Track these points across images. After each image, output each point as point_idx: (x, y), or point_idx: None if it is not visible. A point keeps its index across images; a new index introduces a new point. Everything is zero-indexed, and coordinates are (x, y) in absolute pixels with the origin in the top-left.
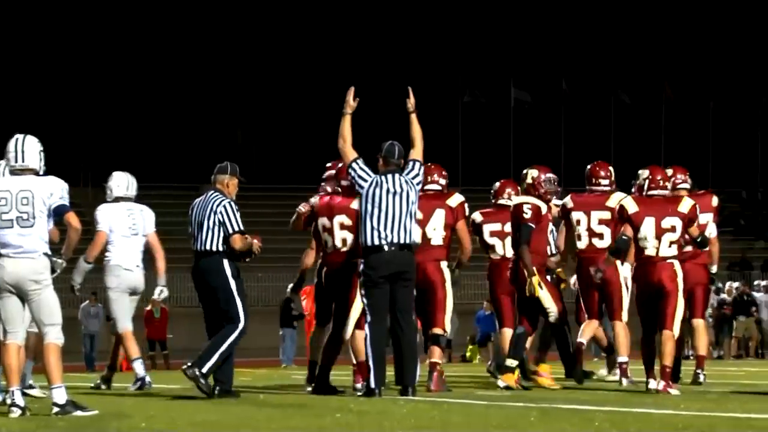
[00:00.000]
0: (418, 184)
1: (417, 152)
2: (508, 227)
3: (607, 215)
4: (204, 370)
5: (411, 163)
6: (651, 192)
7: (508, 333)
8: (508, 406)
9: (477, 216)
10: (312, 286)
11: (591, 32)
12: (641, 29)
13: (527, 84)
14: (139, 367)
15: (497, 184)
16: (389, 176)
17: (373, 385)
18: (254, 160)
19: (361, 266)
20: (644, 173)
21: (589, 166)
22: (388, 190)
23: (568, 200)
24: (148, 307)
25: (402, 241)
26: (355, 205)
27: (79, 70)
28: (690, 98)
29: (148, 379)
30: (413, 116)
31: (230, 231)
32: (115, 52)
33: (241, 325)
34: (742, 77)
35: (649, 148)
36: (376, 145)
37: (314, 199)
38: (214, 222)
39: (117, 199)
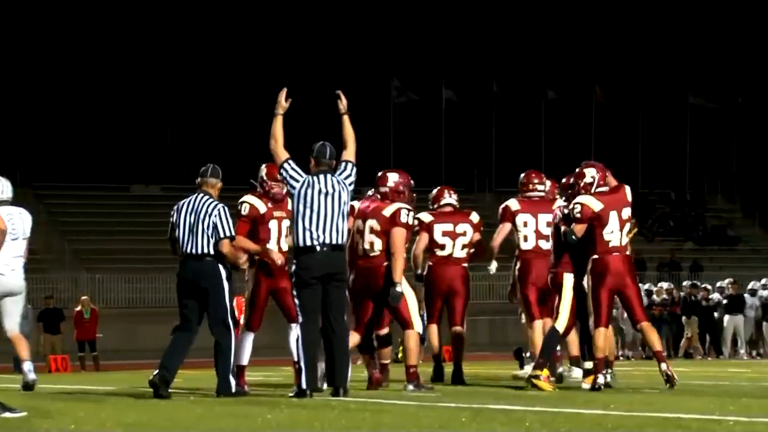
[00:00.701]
0: (350, 184)
1: (349, 153)
2: (459, 228)
3: (550, 218)
4: (232, 388)
5: (343, 164)
6: (600, 188)
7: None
8: (440, 407)
9: (426, 216)
10: (241, 296)
11: (522, 33)
12: (572, 31)
13: (458, 84)
14: (26, 368)
15: (435, 191)
16: (321, 177)
17: (304, 386)
18: (183, 159)
19: (293, 267)
20: (591, 171)
21: (523, 174)
22: (320, 191)
23: (513, 203)
24: (78, 308)
25: (334, 242)
26: (387, 212)
27: None
28: (620, 100)
29: (31, 377)
30: (345, 118)
31: (222, 235)
32: (38, 51)
33: (231, 331)
34: (671, 79)
35: (579, 150)
36: (307, 145)
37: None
38: (209, 225)
39: None
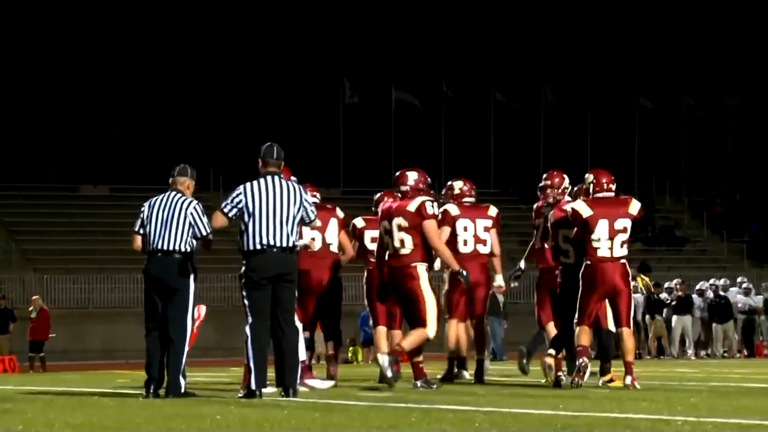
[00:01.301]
0: (311, 208)
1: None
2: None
3: (489, 223)
4: (182, 389)
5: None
6: (598, 195)
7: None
8: (389, 407)
9: (359, 221)
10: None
11: (472, 34)
12: (521, 32)
13: (408, 85)
14: None
15: (377, 195)
16: (269, 178)
17: (254, 386)
18: (132, 160)
19: (243, 268)
20: (589, 177)
21: (462, 183)
22: (268, 192)
23: (453, 208)
24: (30, 308)
25: (285, 244)
26: (412, 207)
27: None
28: (569, 102)
29: None
30: None
31: (202, 233)
32: None
33: (188, 333)
34: (620, 81)
35: (528, 150)
36: (257, 145)
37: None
38: (184, 222)
39: None
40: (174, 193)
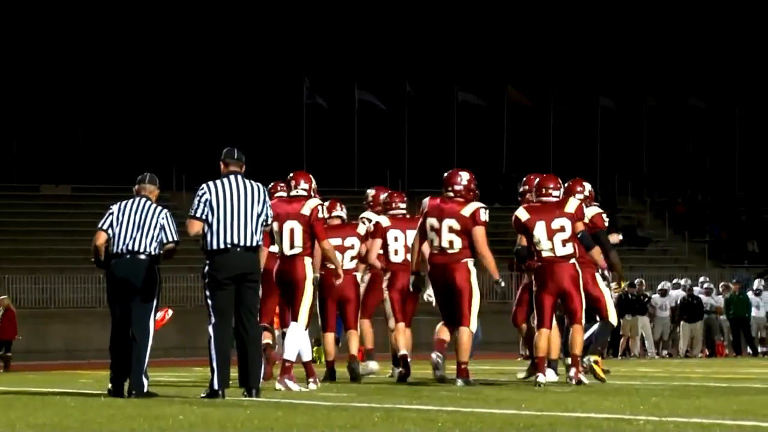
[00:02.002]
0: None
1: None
2: (347, 241)
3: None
4: (144, 388)
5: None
6: (541, 199)
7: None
8: (352, 407)
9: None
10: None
11: (435, 33)
12: (484, 31)
13: (371, 85)
14: None
15: (370, 191)
16: (232, 178)
17: (216, 386)
18: (94, 160)
19: (206, 268)
20: (535, 182)
21: (386, 194)
22: (231, 191)
23: (384, 220)
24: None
25: (248, 244)
26: (466, 211)
27: None
28: (532, 101)
29: None
30: None
31: (173, 238)
32: None
33: (151, 333)
34: (583, 81)
35: (492, 150)
36: (220, 145)
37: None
38: (155, 226)
39: None
40: (145, 199)
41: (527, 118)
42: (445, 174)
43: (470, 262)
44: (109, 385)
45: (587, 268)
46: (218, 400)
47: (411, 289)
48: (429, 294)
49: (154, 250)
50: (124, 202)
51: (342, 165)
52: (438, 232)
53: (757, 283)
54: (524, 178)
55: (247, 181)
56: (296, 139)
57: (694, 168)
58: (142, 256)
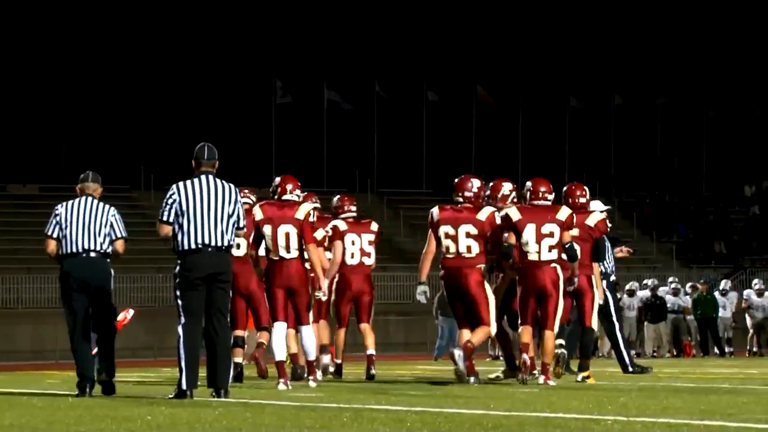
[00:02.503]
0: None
1: None
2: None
3: (372, 237)
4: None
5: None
6: (533, 202)
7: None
8: (321, 407)
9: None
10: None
11: (403, 33)
12: (453, 32)
13: (340, 85)
14: None
15: (335, 199)
16: (203, 178)
17: (184, 386)
18: (62, 159)
19: (177, 268)
20: (528, 185)
21: (336, 198)
22: (202, 191)
23: (341, 223)
24: None
25: (219, 244)
26: (482, 216)
27: None
28: (500, 101)
29: None
30: None
31: (119, 235)
32: None
33: (114, 325)
34: (551, 81)
35: (461, 150)
36: (189, 144)
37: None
38: (106, 224)
39: None
40: (91, 198)
41: (496, 118)
42: (456, 180)
43: (483, 267)
44: (78, 388)
45: (584, 270)
46: (186, 401)
47: (418, 298)
48: (424, 291)
49: (106, 248)
50: (70, 203)
51: (311, 165)
52: (454, 238)
53: (723, 284)
54: (491, 183)
55: (218, 181)
56: (265, 139)
57: (661, 168)
58: (98, 255)
